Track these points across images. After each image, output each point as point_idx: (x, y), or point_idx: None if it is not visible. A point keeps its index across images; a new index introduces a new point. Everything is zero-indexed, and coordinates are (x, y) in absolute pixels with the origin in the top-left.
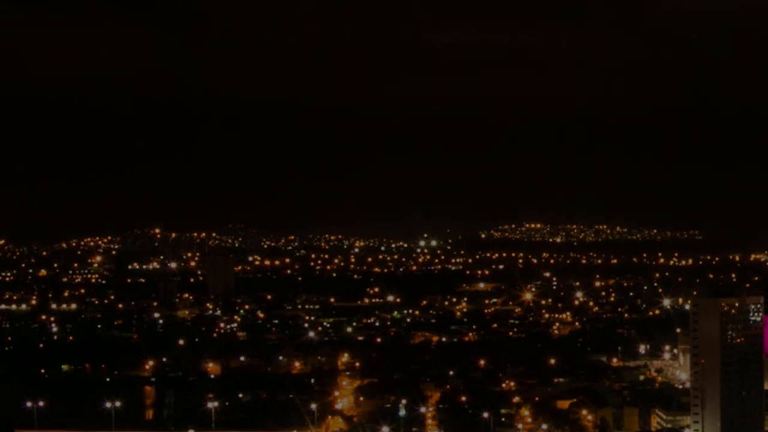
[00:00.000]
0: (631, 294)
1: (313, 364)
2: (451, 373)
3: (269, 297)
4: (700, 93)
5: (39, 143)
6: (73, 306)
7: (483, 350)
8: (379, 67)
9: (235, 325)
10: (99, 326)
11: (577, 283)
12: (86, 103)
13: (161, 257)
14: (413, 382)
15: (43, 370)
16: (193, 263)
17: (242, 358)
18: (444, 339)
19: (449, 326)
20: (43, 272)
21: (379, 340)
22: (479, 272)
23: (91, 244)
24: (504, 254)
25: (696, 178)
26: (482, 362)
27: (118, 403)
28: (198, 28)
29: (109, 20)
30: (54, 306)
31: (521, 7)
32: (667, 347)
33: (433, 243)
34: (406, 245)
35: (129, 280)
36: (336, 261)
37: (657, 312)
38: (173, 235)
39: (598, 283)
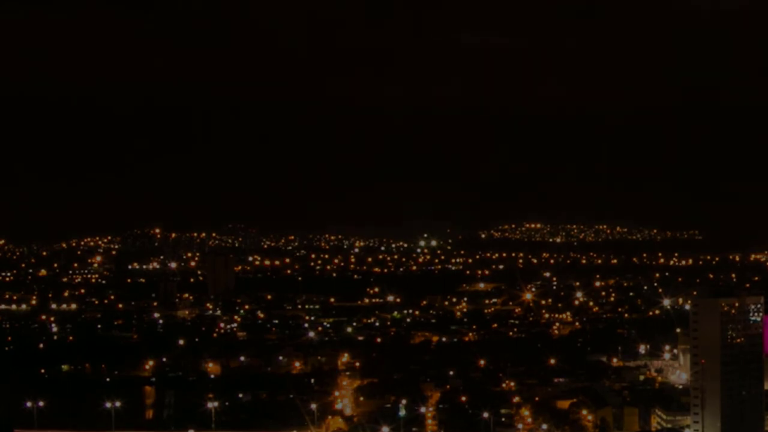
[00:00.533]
0: (631, 294)
1: (313, 364)
2: (451, 373)
3: (269, 297)
4: (700, 93)
5: (39, 143)
6: (73, 306)
7: (483, 350)
8: (379, 67)
9: (235, 325)
10: (99, 326)
11: (577, 283)
12: (86, 103)
13: (161, 257)
14: (413, 382)
15: (43, 370)
16: (193, 263)
17: (242, 358)
18: (444, 339)
19: (449, 326)
20: (43, 272)
21: (379, 340)
22: (479, 272)
23: (91, 244)
24: (504, 254)
25: (696, 178)
26: (482, 362)
27: (118, 403)
28: (198, 27)
29: (109, 20)
30: (54, 306)
31: (521, 7)
32: (667, 347)
33: (433, 243)
34: (406, 245)
35: (129, 280)
36: (336, 261)
37: (657, 312)
38: (173, 235)
39: (598, 283)
